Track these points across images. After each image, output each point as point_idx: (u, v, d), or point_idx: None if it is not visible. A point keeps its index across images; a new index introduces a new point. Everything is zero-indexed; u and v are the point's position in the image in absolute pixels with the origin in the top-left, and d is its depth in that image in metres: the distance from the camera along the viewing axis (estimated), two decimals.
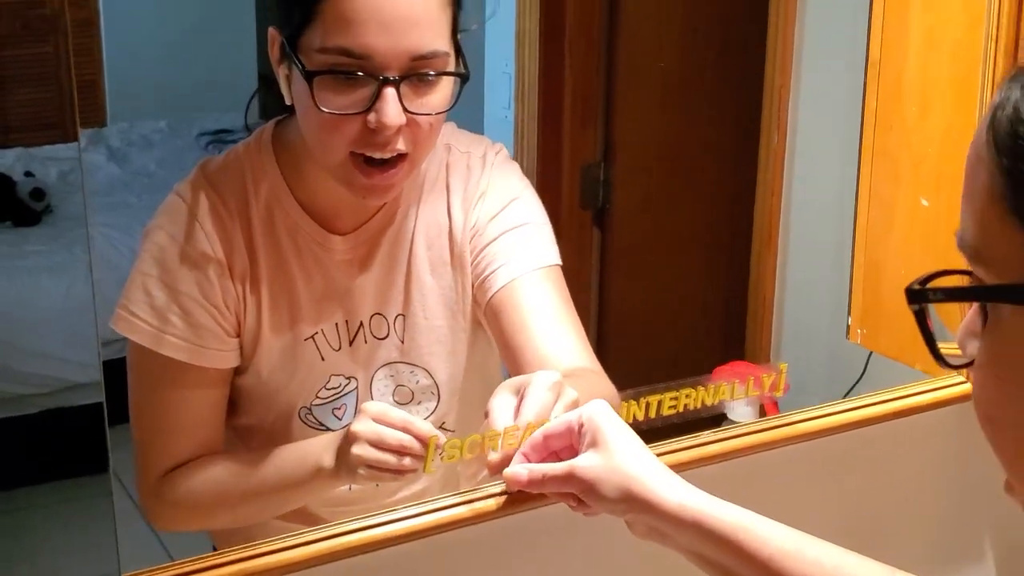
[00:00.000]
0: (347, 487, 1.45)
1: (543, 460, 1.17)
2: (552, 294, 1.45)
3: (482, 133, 1.54)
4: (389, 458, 1.23)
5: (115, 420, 1.48)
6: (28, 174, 4.09)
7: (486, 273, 1.45)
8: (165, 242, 1.38)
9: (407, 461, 1.23)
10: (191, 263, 1.37)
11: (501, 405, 1.20)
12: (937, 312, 0.81)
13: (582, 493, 1.12)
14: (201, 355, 1.38)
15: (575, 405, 1.19)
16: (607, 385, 1.39)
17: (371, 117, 1.28)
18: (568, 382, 1.22)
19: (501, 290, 1.44)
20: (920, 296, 0.78)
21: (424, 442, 1.22)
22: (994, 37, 1.52)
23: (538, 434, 1.17)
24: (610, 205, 2.94)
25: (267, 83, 1.42)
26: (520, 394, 1.20)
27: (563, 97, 2.86)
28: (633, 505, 1.09)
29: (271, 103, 1.44)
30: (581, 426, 1.14)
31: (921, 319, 0.79)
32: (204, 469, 1.41)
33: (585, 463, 1.12)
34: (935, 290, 0.78)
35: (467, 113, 1.50)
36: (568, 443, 1.16)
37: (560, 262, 1.48)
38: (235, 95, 1.49)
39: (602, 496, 1.10)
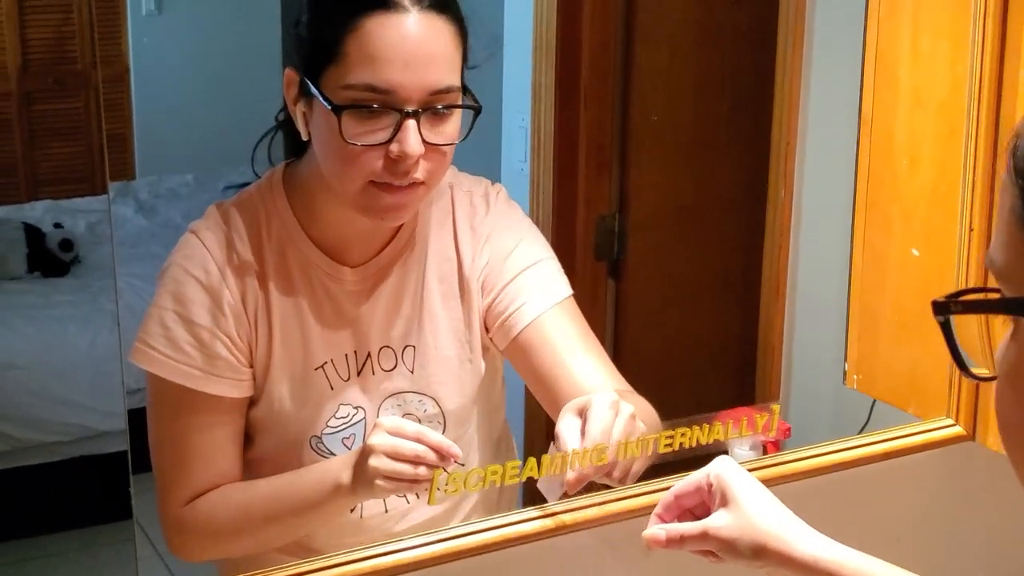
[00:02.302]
0: (358, 515, 1.50)
1: (677, 519, 1.21)
2: (574, 325, 1.53)
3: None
4: (405, 468, 1.28)
5: (136, 468, 1.53)
6: (57, 225, 4.14)
7: (508, 312, 1.52)
8: (180, 277, 1.44)
9: (422, 471, 1.28)
10: (205, 296, 1.43)
11: (568, 427, 1.29)
12: (962, 343, 0.85)
13: (718, 551, 1.16)
14: (216, 384, 1.43)
15: (633, 419, 1.29)
16: (643, 401, 1.50)
17: (393, 147, 1.36)
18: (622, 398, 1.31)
19: (527, 328, 1.50)
20: (944, 308, 0.83)
21: (439, 452, 1.28)
22: (976, 96, 1.58)
23: (669, 494, 1.22)
24: (624, 256, 2.98)
25: (279, 128, 1.50)
26: (583, 416, 1.29)
27: (578, 150, 2.90)
28: (769, 560, 1.13)
29: (287, 145, 1.51)
30: (710, 485, 1.18)
31: (947, 330, 0.84)
32: (224, 496, 1.45)
33: (718, 523, 1.16)
34: (957, 303, 0.83)
35: (485, 166, 1.56)
36: (700, 500, 1.20)
37: (572, 292, 1.55)
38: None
39: (738, 553, 1.15)
